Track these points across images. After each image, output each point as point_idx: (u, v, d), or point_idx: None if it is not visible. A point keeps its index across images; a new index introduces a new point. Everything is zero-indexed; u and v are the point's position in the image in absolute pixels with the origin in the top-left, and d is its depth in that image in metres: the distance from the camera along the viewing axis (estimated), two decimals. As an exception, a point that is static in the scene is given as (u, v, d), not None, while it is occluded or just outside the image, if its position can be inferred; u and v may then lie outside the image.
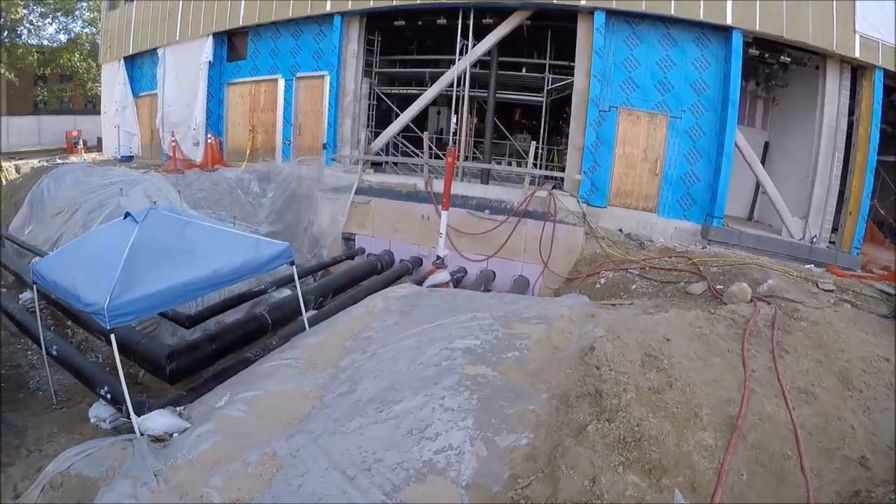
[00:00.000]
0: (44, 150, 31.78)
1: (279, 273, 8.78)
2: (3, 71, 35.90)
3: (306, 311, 7.51)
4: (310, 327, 7.11)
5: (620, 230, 11.25)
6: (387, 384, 4.67)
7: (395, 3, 13.13)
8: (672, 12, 10.92)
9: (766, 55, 11.51)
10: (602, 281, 9.44)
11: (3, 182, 22.12)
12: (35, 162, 23.99)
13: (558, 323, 5.72)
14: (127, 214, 6.26)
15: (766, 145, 13.29)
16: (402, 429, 4.11)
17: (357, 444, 4.06)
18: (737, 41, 10.78)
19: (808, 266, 9.46)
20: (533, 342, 5.17)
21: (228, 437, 4.47)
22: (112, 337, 5.15)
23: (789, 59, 11.53)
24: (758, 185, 12.49)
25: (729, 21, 10.73)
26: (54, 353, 7.22)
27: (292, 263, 6.99)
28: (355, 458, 3.94)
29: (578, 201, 11.21)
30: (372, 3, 13.44)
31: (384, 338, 5.79)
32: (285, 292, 9.37)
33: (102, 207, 12.00)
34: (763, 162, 12.46)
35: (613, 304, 7.64)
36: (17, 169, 24.09)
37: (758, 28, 10.72)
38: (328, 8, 13.97)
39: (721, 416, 4.37)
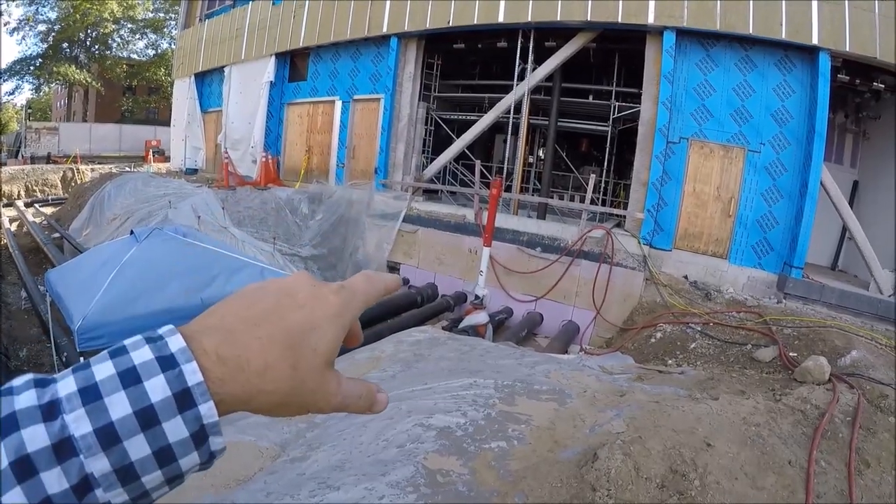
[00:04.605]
0: (124, 156, 33.42)
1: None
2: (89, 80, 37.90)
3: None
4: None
5: (685, 277, 10.18)
6: (338, 460, 3.73)
7: (451, 24, 12.60)
8: (750, 31, 9.73)
9: (857, 81, 10.15)
10: (658, 335, 8.44)
11: (77, 183, 23.22)
12: (110, 167, 25.13)
13: (574, 402, 4.57)
14: (131, 232, 6.24)
15: (855, 185, 11.88)
16: (322, 531, 3.10)
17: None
18: (824, 64, 9.46)
19: (900, 330, 8.08)
20: (531, 429, 4.02)
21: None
22: (81, 360, 4.89)
23: (883, 87, 10.05)
24: (844, 230, 10.99)
25: (815, 41, 9.40)
26: (64, 359, 7.17)
27: None
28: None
29: (640, 242, 10.26)
30: (428, 24, 12.97)
31: (371, 395, 4.97)
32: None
33: (151, 217, 12.31)
34: (851, 204, 10.99)
35: (661, 371, 6.68)
36: (92, 172, 25.36)
37: (847, 48, 9.36)
38: (385, 29, 13.65)
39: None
